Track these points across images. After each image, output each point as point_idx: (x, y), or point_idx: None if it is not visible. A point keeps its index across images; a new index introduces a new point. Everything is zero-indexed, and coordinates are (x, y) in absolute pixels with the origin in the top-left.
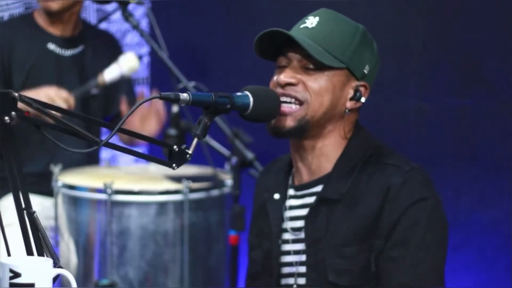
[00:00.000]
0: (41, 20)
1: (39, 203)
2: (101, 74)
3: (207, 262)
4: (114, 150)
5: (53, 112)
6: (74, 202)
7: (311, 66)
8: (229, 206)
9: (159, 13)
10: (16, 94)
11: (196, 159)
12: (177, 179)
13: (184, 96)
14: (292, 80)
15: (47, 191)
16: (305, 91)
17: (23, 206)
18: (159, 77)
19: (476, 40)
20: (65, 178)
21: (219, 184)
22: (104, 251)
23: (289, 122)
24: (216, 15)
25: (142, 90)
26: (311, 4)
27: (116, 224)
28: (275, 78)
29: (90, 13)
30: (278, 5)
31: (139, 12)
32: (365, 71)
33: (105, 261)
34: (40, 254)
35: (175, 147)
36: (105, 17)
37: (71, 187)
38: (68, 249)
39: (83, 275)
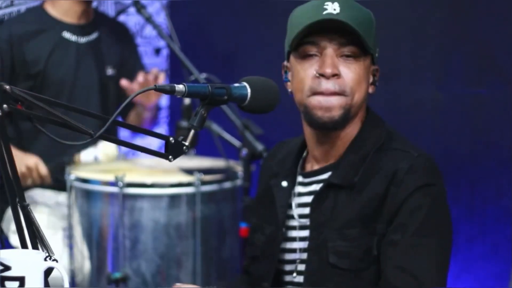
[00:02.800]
0: (53, 10)
1: (53, 198)
2: (78, 154)
3: (220, 255)
4: (109, 142)
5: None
6: (87, 196)
7: (348, 54)
8: (241, 198)
9: (177, 5)
10: (8, 87)
11: (212, 151)
12: (190, 171)
13: (180, 87)
14: (337, 71)
15: (62, 185)
16: (348, 82)
17: (17, 199)
18: (179, 69)
19: (491, 29)
20: (77, 171)
21: (232, 176)
22: (117, 244)
23: (337, 112)
24: (234, 7)
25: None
26: None
27: (128, 217)
28: (313, 69)
29: (108, 5)
30: None
31: (156, 5)
32: (377, 55)
33: (118, 254)
34: (35, 247)
35: (171, 139)
36: (123, 9)
37: (84, 181)
38: (81, 254)
39: (96, 269)
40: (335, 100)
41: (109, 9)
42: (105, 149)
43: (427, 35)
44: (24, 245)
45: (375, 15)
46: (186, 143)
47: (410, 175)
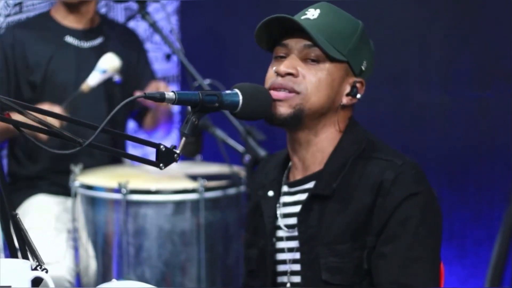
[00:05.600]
0: (58, 15)
1: (62, 203)
2: (85, 82)
3: (224, 261)
4: (99, 150)
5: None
6: (92, 202)
7: (312, 58)
8: (245, 204)
9: (187, 11)
10: None
11: (218, 157)
12: (194, 177)
13: (170, 95)
14: (293, 71)
15: (69, 191)
16: (304, 83)
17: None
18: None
19: (497, 33)
20: (82, 178)
21: (236, 182)
22: (121, 251)
23: (286, 109)
24: (244, 12)
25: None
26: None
27: (132, 224)
28: (273, 68)
29: (117, 11)
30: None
31: (167, 10)
32: (363, 68)
33: (122, 261)
34: (25, 256)
35: (162, 146)
36: (133, 15)
37: (88, 187)
38: (87, 254)
39: (102, 275)
40: (284, 95)
41: (119, 15)
42: (107, 63)
43: (434, 39)
44: (14, 255)
45: (381, 19)
46: (177, 151)
47: (396, 186)
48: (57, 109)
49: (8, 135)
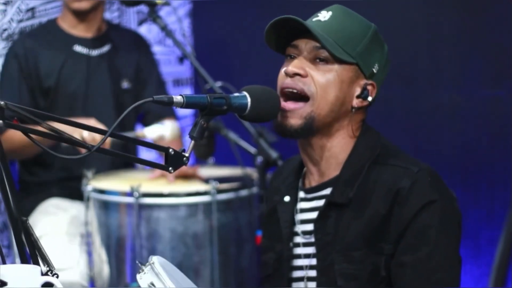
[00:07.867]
0: (65, 24)
1: (74, 207)
2: (142, 129)
3: (238, 263)
4: (107, 155)
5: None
6: (105, 206)
7: (321, 58)
8: (257, 205)
9: (199, 14)
10: (2, 102)
11: (231, 160)
12: (207, 180)
13: (178, 98)
14: (301, 71)
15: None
16: (313, 84)
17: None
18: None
19: (507, 31)
20: (95, 182)
21: (248, 184)
22: (134, 254)
23: (296, 120)
24: (256, 15)
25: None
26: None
27: (144, 227)
28: (283, 69)
29: (130, 15)
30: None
31: (178, 14)
32: (374, 70)
33: (136, 264)
34: (35, 261)
35: (170, 150)
36: (145, 19)
37: (101, 191)
38: (100, 258)
39: (116, 279)
40: (293, 105)
41: (131, 19)
42: (171, 130)
43: (445, 39)
44: (24, 261)
45: (392, 20)
46: (186, 154)
47: (413, 194)
48: (92, 122)
49: (30, 151)
